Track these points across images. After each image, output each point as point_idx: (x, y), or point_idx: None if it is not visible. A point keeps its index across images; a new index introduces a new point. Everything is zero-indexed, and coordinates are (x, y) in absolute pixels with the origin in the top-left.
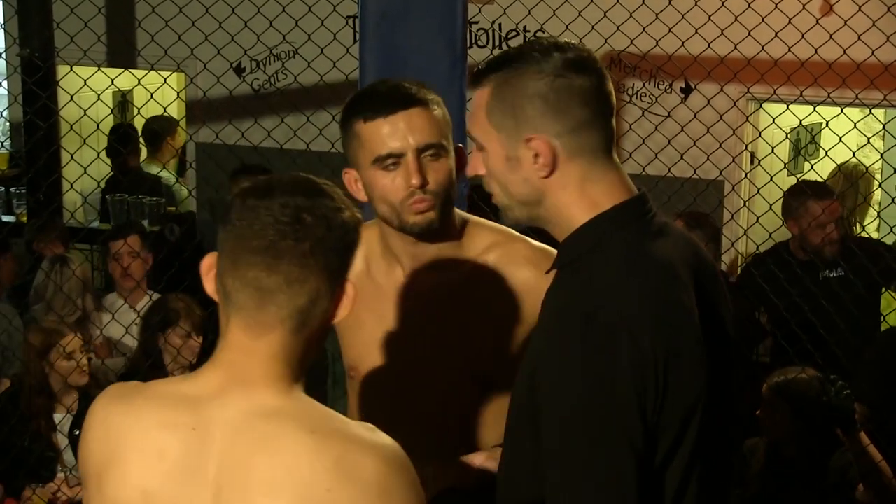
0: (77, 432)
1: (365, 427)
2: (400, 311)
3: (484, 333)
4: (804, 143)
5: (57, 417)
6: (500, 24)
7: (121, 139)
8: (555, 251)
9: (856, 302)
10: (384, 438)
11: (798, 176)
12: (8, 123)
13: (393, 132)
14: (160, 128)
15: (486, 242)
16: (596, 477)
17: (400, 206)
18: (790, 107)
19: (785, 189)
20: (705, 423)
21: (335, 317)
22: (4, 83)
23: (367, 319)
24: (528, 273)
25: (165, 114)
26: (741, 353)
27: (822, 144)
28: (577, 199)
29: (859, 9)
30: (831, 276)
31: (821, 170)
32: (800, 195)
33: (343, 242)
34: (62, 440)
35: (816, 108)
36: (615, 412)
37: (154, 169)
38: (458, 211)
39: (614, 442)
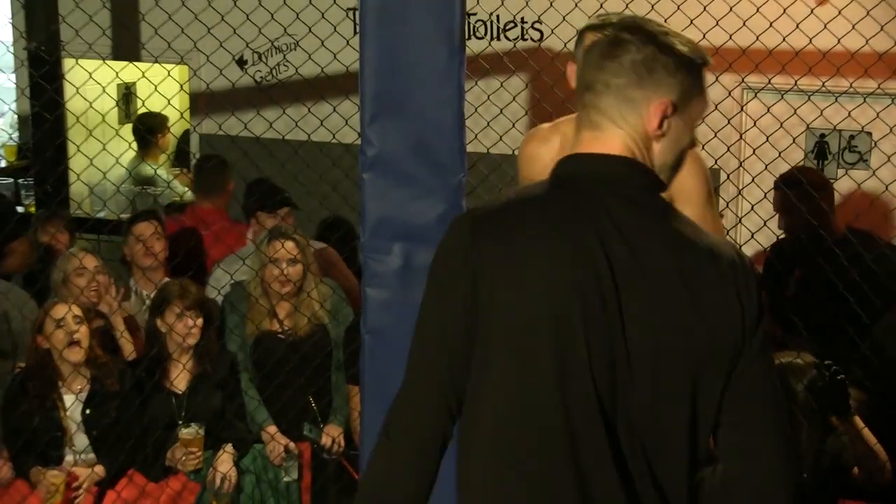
0: (89, 412)
1: None
2: None
3: None
4: (835, 148)
5: (68, 400)
6: (497, 16)
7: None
8: None
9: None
10: None
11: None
12: (16, 116)
13: None
14: (150, 126)
15: None
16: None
17: None
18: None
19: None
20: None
21: None
22: (12, 77)
23: None
24: None
25: (155, 111)
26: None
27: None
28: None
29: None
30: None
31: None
32: None
33: None
34: (71, 423)
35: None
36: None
37: (147, 168)
38: None
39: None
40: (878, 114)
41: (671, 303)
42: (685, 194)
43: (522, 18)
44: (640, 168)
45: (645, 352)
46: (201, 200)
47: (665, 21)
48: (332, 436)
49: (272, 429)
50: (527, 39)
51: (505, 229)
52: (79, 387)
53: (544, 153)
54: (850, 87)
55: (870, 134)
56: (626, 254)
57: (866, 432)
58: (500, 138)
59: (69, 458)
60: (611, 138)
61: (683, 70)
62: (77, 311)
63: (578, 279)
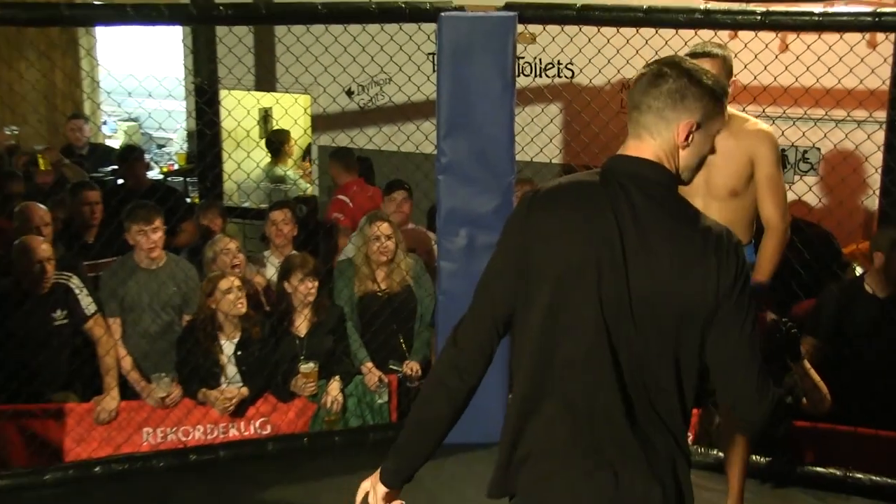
0: (240, 353)
1: None
2: None
3: None
4: (792, 160)
5: (224, 345)
6: (540, 59)
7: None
8: None
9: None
10: None
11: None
12: (185, 132)
13: None
14: (280, 139)
15: None
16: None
17: None
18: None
19: None
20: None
21: None
22: (182, 102)
23: None
24: None
25: (283, 129)
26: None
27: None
28: None
29: (808, 47)
30: None
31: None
32: None
33: None
34: (227, 360)
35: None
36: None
37: (278, 170)
38: None
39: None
40: (825, 134)
41: (663, 269)
42: (760, 159)
43: (558, 61)
44: (662, 170)
45: (642, 302)
46: (352, 173)
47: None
48: (412, 369)
49: (369, 364)
50: (561, 77)
51: (550, 203)
52: (233, 334)
53: None
54: (805, 113)
55: (819, 149)
56: (634, 230)
57: (812, 372)
58: (541, 150)
59: (223, 384)
60: (647, 147)
61: (706, 97)
62: (238, 282)
63: (596, 243)
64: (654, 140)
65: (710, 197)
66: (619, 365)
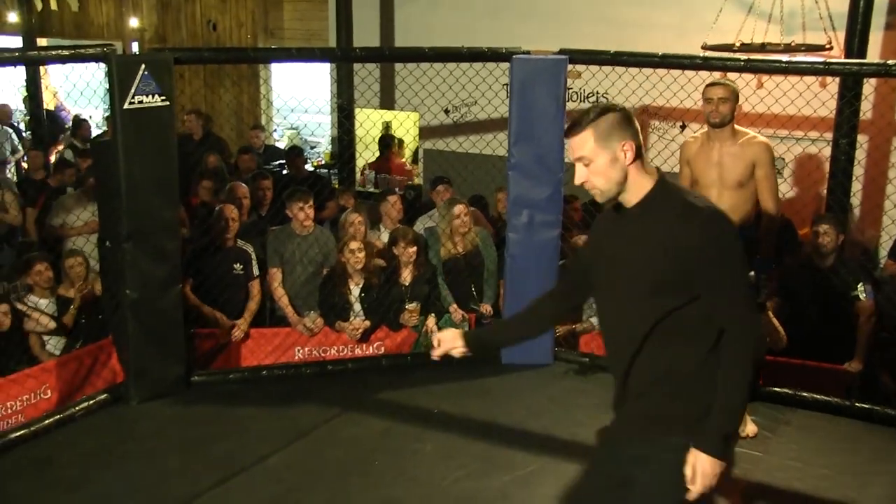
0: (363, 295)
1: None
2: None
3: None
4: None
5: (353, 288)
6: (583, 90)
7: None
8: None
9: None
10: None
11: None
12: (330, 137)
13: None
14: (387, 140)
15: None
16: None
17: None
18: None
19: None
20: None
21: None
22: (327, 117)
23: None
24: None
25: (390, 134)
26: None
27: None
28: (643, 174)
29: (777, 85)
30: None
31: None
32: None
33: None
34: (354, 300)
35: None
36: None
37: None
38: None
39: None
40: (788, 148)
41: None
42: (760, 162)
43: (597, 91)
44: None
45: None
46: (392, 150)
47: (675, 95)
48: (486, 309)
49: (454, 306)
50: (598, 102)
51: None
52: (358, 282)
53: (691, 145)
54: (774, 133)
55: (783, 159)
56: None
57: (773, 319)
58: None
59: (352, 317)
60: None
61: None
62: (360, 244)
63: None
64: None
65: (723, 187)
66: None
